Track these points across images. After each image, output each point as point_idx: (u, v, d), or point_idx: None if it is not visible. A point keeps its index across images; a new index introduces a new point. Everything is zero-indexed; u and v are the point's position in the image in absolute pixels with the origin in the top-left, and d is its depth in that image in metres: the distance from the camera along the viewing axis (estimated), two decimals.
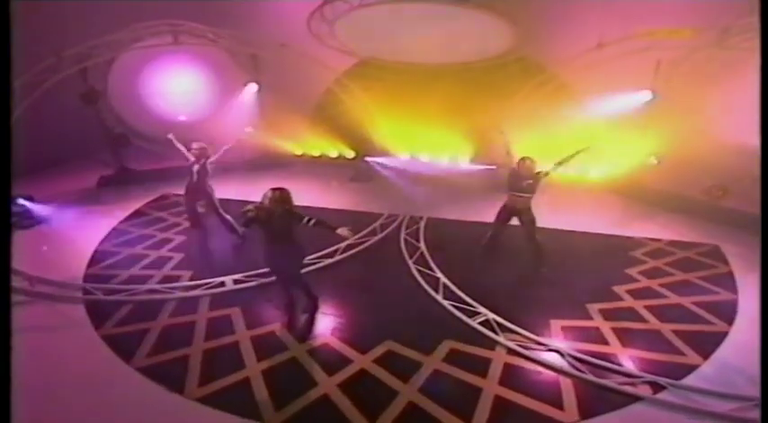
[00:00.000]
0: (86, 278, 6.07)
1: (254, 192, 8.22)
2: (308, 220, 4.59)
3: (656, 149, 8.09)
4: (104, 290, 5.76)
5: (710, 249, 6.62)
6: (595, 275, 6.04)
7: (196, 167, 6.67)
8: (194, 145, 6.59)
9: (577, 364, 4.45)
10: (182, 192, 8.45)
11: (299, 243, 4.87)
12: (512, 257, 6.42)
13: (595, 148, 8.52)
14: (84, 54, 7.48)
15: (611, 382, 4.26)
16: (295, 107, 9.23)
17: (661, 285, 5.79)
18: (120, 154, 9.28)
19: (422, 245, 6.82)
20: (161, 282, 5.96)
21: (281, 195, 4.59)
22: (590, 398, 4.13)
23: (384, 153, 9.80)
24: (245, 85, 9.25)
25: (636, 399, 4.12)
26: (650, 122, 8.08)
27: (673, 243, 6.85)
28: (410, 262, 6.38)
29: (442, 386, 4.28)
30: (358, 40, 8.62)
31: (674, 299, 5.54)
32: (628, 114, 8.19)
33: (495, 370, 4.45)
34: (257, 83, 9.22)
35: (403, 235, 7.16)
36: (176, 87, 9.46)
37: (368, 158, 9.95)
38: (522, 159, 5.91)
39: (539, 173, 5.85)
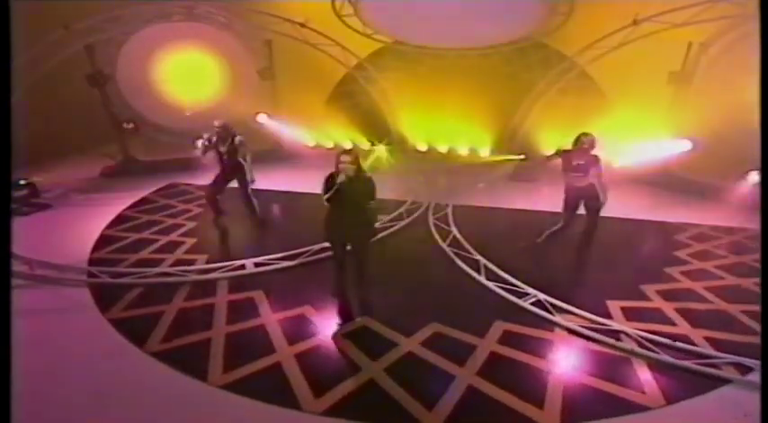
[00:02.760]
0: (91, 263, 5.42)
1: (265, 184, 7.84)
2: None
3: (686, 135, 7.66)
4: (111, 273, 5.12)
5: (757, 233, 6.14)
6: (643, 258, 5.58)
7: (223, 148, 6.00)
8: (216, 123, 5.95)
9: (649, 346, 3.89)
10: (190, 181, 7.93)
11: (370, 210, 4.26)
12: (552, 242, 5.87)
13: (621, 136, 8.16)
14: (94, 28, 6.88)
15: (691, 363, 3.70)
16: (310, 93, 8.70)
17: (716, 267, 5.29)
18: (127, 142, 8.66)
19: (453, 229, 6.28)
20: (174, 265, 5.33)
21: (358, 158, 4.01)
22: (671, 381, 3.56)
23: (402, 143, 9.29)
24: (259, 70, 8.75)
25: (723, 381, 3.56)
26: (679, 108, 7.69)
27: (714, 228, 6.38)
28: (444, 245, 5.83)
29: (503, 369, 3.70)
30: (383, 22, 8.10)
31: (732, 280, 5.04)
32: (655, 100, 7.81)
33: (559, 352, 3.88)
34: (271, 68, 8.71)
35: (432, 220, 6.61)
36: (187, 74, 8.88)
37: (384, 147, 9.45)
38: (583, 135, 5.14)
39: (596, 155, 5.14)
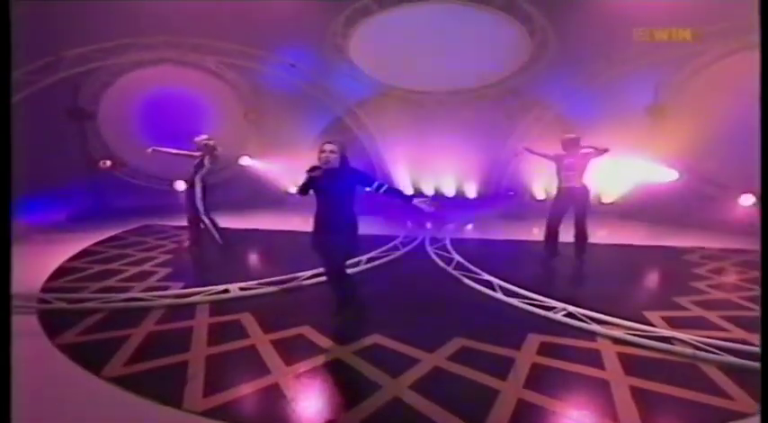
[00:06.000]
0: (45, 291, 4.43)
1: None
2: (379, 187, 3.51)
3: (667, 166, 7.57)
4: (68, 299, 4.15)
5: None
6: (665, 276, 5.07)
7: (196, 161, 5.60)
8: (199, 137, 5.65)
9: (711, 350, 3.23)
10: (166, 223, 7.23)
11: (353, 212, 3.58)
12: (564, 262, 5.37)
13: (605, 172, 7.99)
14: (86, 56, 6.41)
15: None
16: (297, 137, 8.28)
17: (742, 280, 4.81)
18: (100, 184, 7.87)
19: (455, 255, 5.65)
20: (145, 291, 4.42)
21: (343, 146, 3.50)
22: (755, 385, 2.85)
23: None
24: (245, 113, 8.38)
25: None
26: (657, 140, 7.63)
27: (721, 250, 5.99)
28: (449, 269, 5.16)
29: (554, 381, 2.92)
30: (370, 64, 8.01)
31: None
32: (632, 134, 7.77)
33: (611, 361, 3.15)
34: (257, 112, 8.37)
35: (431, 249, 5.98)
36: (172, 119, 8.36)
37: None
38: (562, 139, 5.34)
39: (586, 152, 5.19)
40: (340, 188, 3.48)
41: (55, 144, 7.02)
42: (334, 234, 3.51)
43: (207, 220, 5.63)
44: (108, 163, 7.61)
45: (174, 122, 8.45)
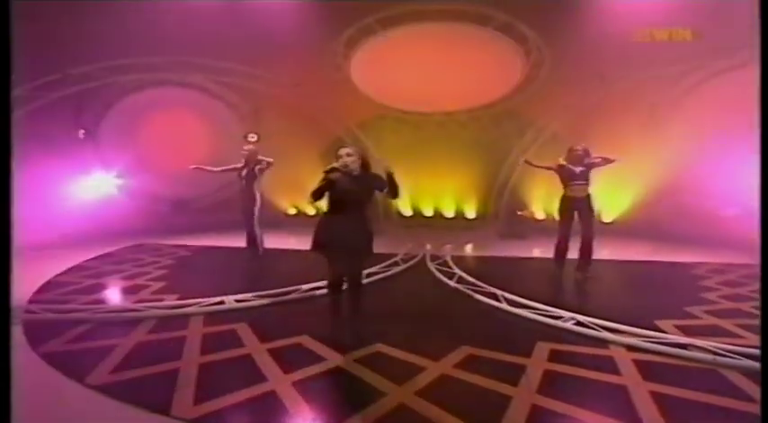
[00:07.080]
0: (32, 303, 4.23)
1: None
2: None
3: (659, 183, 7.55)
4: (56, 310, 3.96)
5: None
6: (673, 289, 4.92)
7: (245, 172, 5.74)
8: (245, 147, 5.89)
9: (728, 355, 3.06)
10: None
11: (368, 218, 3.46)
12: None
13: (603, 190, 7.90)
14: (90, 75, 6.43)
15: None
16: (297, 159, 8.22)
17: (752, 292, 4.66)
18: (97, 203, 7.73)
19: (457, 270, 5.50)
20: (136, 303, 4.23)
21: (361, 151, 3.41)
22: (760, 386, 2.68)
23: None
24: (245, 136, 8.36)
25: None
26: (649, 158, 7.59)
27: (724, 264, 5.86)
28: (452, 283, 5.00)
29: (569, 387, 2.75)
30: (370, 86, 8.07)
31: None
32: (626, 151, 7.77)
33: (627, 368, 2.98)
34: (257, 134, 8.36)
35: (432, 266, 5.83)
36: (173, 139, 8.32)
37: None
38: (570, 150, 5.26)
39: (593, 162, 5.18)
40: (360, 193, 3.32)
41: (55, 161, 6.95)
42: (352, 241, 3.33)
43: (258, 231, 5.85)
44: (82, 131, 7.44)
45: (175, 143, 8.47)
